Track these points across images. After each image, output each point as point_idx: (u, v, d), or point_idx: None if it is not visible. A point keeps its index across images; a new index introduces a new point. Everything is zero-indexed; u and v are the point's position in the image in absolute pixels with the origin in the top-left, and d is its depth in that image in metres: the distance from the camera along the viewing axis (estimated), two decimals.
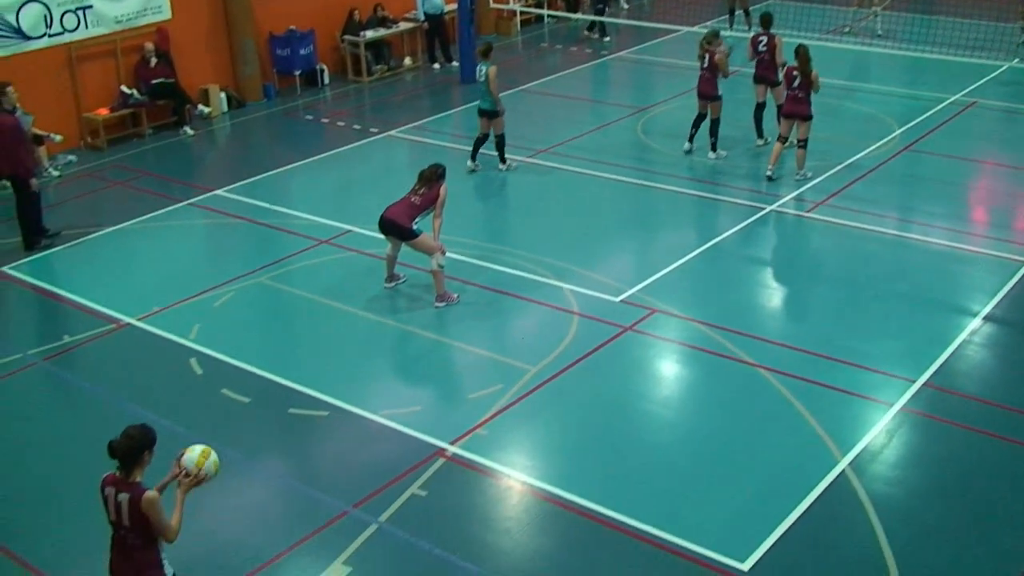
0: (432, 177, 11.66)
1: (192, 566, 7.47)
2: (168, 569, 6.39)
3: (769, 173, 14.75)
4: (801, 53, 14.22)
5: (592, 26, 23.45)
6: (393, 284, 12.13)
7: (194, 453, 6.36)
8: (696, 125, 15.75)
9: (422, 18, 21.50)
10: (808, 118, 14.35)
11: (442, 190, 11.60)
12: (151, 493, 6.18)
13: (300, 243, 13.41)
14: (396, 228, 11.51)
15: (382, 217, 11.61)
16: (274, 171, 16.08)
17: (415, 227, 11.47)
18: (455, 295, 11.76)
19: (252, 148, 17.83)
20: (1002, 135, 17.17)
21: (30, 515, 8.60)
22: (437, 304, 11.67)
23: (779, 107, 15.25)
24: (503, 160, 15.59)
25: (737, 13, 22.83)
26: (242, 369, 10.57)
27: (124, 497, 6.19)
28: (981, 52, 18.42)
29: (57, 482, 9.01)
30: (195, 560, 7.68)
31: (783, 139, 14.75)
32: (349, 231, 13.66)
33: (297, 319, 11.83)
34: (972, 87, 18.65)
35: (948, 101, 18.00)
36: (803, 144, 14.56)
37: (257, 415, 9.89)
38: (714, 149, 15.60)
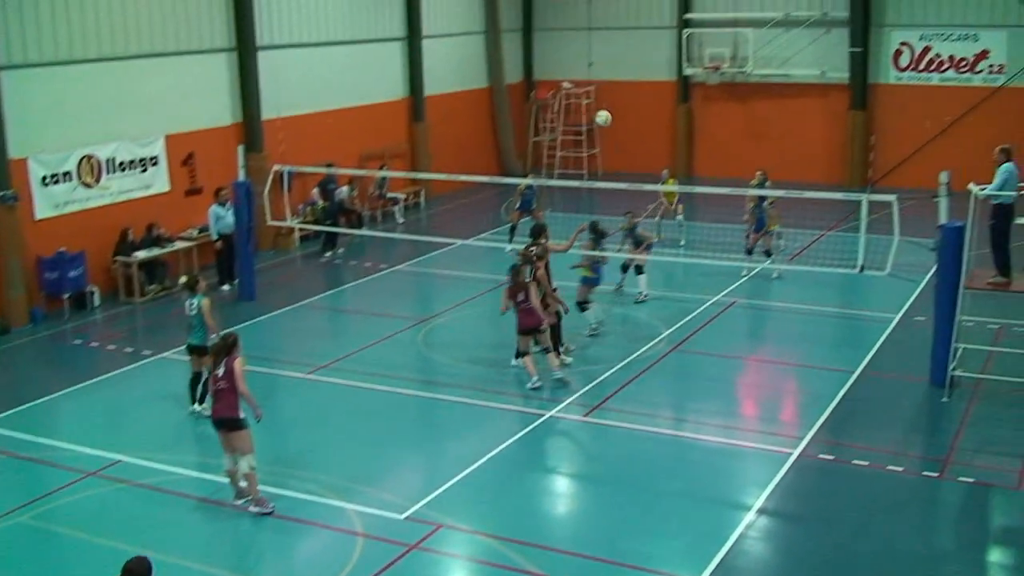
0: (223, 349, 11.56)
1: None
2: None
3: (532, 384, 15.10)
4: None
5: (326, 246, 23.72)
6: (243, 501, 11.72)
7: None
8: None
9: (215, 237, 20.92)
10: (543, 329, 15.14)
11: (236, 364, 11.45)
12: None
13: (65, 476, 12.65)
14: (226, 422, 11.50)
15: (211, 418, 11.71)
16: (37, 400, 15.20)
17: (242, 416, 11.46)
18: (271, 504, 11.65)
19: (15, 377, 16.83)
20: (760, 331, 18.28)
21: None
22: (253, 509, 11.55)
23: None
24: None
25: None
26: None
27: None
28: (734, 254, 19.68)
29: None
30: None
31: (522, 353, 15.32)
32: (118, 461, 12.98)
33: (68, 565, 10.99)
34: (731, 287, 19.79)
35: (710, 302, 18.99)
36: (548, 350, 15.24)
37: None
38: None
